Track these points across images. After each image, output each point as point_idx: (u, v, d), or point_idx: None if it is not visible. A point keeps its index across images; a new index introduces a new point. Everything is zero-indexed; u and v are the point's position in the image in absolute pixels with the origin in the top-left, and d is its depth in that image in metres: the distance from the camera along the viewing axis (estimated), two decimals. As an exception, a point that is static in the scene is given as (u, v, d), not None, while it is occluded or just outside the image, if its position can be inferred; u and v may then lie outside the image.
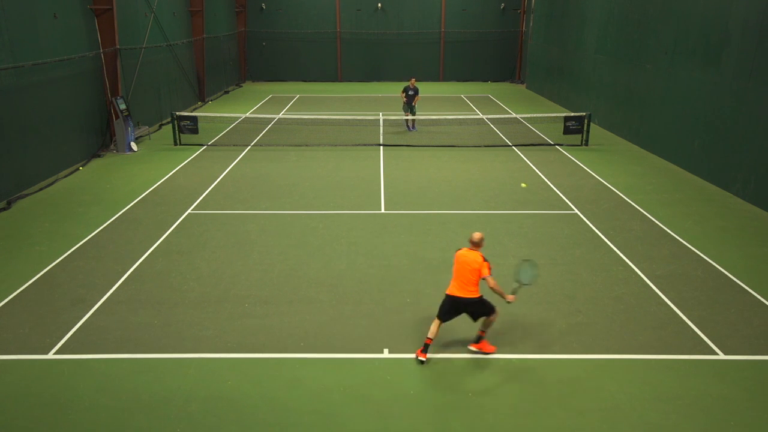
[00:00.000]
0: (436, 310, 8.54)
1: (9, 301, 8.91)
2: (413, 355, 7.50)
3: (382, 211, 12.96)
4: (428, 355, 7.46)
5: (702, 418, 6.36)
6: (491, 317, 7.37)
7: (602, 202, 13.50)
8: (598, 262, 10.24)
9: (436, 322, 7.39)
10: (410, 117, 21.14)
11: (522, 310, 8.62)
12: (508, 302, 7.27)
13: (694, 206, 13.20)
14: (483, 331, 7.50)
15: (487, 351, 7.53)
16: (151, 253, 10.65)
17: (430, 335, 7.36)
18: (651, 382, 6.98)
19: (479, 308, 7.28)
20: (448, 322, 7.50)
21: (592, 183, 15.02)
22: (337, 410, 6.53)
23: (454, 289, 7.26)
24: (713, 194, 14.08)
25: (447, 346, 7.72)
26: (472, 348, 7.56)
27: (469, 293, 7.17)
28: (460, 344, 7.76)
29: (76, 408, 6.54)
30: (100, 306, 8.74)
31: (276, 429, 6.24)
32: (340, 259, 10.41)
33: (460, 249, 7.42)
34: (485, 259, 7.16)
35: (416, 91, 20.81)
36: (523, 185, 8.06)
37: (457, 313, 7.38)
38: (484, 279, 7.10)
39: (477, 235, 7.29)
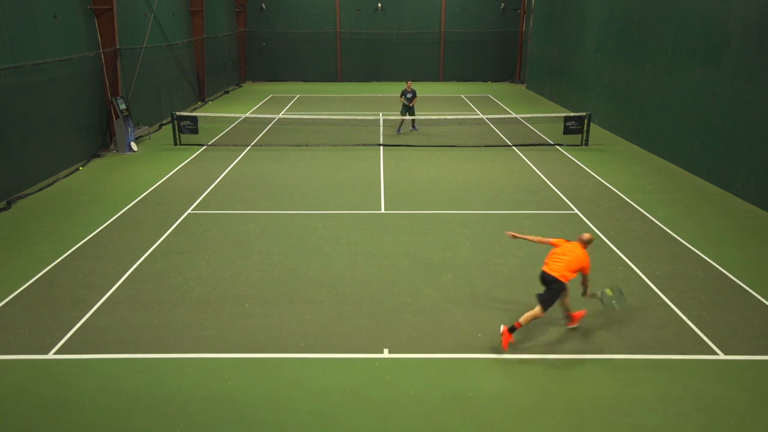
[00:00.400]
0: (436, 310, 8.60)
1: (9, 301, 8.91)
2: (413, 355, 7.51)
3: (382, 211, 12.96)
4: (433, 355, 7.47)
5: (702, 418, 6.36)
6: (536, 313, 7.54)
7: (602, 202, 13.50)
8: (598, 262, 10.23)
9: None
10: (407, 117, 21.03)
11: (522, 309, 8.61)
12: (586, 296, 7.98)
13: (694, 206, 13.20)
14: (520, 324, 7.57)
15: (504, 345, 7.55)
16: (151, 253, 10.65)
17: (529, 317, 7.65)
18: (651, 382, 6.98)
19: (553, 292, 7.52)
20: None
21: (592, 183, 15.02)
22: (337, 410, 6.53)
23: (547, 267, 7.63)
24: (713, 194, 14.08)
25: (448, 346, 7.72)
26: (502, 330, 7.63)
27: (557, 272, 7.48)
28: (460, 344, 7.76)
29: (76, 408, 6.54)
30: (100, 306, 8.74)
31: (276, 429, 6.24)
32: (340, 259, 10.41)
33: (561, 239, 8.07)
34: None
35: (414, 94, 20.76)
36: (608, 293, 8.21)
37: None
38: (585, 275, 7.74)
39: (588, 236, 7.84)
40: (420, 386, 6.92)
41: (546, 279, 7.60)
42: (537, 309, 7.54)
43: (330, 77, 38.03)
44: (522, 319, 7.54)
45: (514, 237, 8.39)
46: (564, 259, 7.60)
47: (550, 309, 7.63)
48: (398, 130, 21.14)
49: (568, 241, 7.97)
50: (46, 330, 8.09)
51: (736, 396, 6.73)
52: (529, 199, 13.68)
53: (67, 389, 6.86)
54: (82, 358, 7.47)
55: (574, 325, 8.11)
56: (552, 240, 8.08)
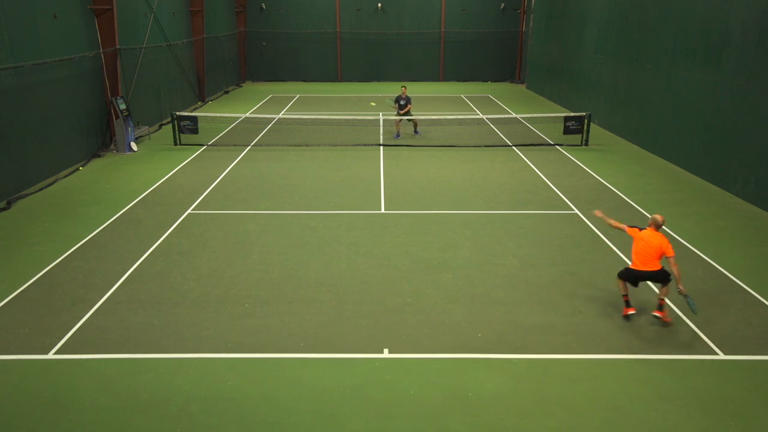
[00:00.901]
0: (436, 310, 8.63)
1: (9, 301, 8.91)
2: (413, 355, 7.51)
3: (382, 211, 12.96)
4: (433, 355, 7.49)
5: (702, 418, 6.36)
6: (666, 291, 8.16)
7: (602, 202, 13.50)
8: (598, 262, 10.24)
9: (620, 282, 8.41)
10: (405, 118, 20.11)
11: (522, 309, 8.63)
12: (681, 291, 7.92)
13: (694, 206, 13.20)
14: (663, 300, 8.18)
15: (666, 321, 8.24)
16: (151, 253, 10.65)
17: (623, 292, 8.41)
18: (651, 382, 6.98)
19: (663, 276, 8.12)
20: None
21: (592, 183, 15.02)
22: (337, 410, 6.53)
23: (642, 266, 8.12)
24: (713, 194, 14.08)
25: (448, 346, 7.72)
26: (656, 315, 8.20)
27: (653, 267, 8.06)
28: (460, 344, 7.76)
29: (76, 408, 6.54)
30: (100, 306, 8.74)
31: (276, 429, 6.24)
32: (340, 259, 10.41)
33: (637, 228, 8.36)
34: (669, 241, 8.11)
35: (408, 101, 19.79)
36: (372, 104, 8.16)
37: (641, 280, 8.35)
38: (670, 258, 7.96)
39: (659, 217, 8.22)
40: (420, 386, 6.92)
41: (645, 275, 8.15)
42: (665, 289, 8.15)
43: (330, 77, 38.03)
44: (662, 294, 8.16)
45: (600, 216, 8.87)
46: (648, 252, 8.05)
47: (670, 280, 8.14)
48: (397, 135, 20.14)
49: (640, 229, 8.33)
50: (46, 330, 8.09)
51: (736, 396, 6.73)
52: (529, 199, 13.68)
53: (67, 389, 6.86)
54: (82, 358, 7.47)
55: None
56: (626, 227, 8.46)
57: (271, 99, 30.21)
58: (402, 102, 19.89)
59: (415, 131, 20.78)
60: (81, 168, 16.44)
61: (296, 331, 8.06)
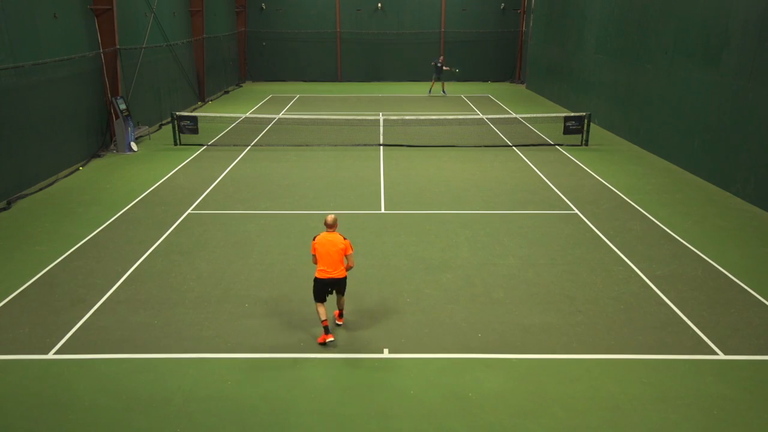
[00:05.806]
0: (436, 310, 8.60)
1: (9, 301, 8.91)
2: (413, 355, 7.51)
3: (382, 211, 12.96)
4: (433, 355, 7.48)
5: (702, 418, 6.36)
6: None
7: (602, 202, 13.50)
8: (598, 262, 10.24)
9: (319, 305, 7.84)
10: None
11: (522, 309, 8.63)
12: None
13: (694, 206, 13.20)
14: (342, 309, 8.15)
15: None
16: (151, 253, 10.65)
17: (323, 317, 7.77)
18: (651, 382, 6.98)
19: (345, 285, 7.94)
20: None
21: (592, 183, 15.02)
22: (337, 410, 6.53)
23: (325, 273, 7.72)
24: (713, 194, 14.08)
25: (448, 346, 7.72)
26: (339, 322, 8.20)
27: (340, 273, 7.75)
28: (460, 344, 7.76)
29: (76, 408, 6.54)
30: (100, 306, 8.74)
31: (276, 429, 6.24)
32: (340, 259, 10.40)
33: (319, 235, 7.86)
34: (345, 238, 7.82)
35: None
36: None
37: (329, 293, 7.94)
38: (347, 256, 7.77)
39: (329, 217, 7.83)
40: (420, 386, 6.92)
41: (333, 283, 7.81)
42: (343, 299, 8.11)
43: (330, 77, 38.01)
44: (341, 305, 8.13)
45: None
46: (332, 254, 7.73)
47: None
48: None
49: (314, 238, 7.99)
50: (46, 330, 8.09)
51: (736, 396, 6.73)
52: (529, 199, 13.68)
53: (67, 389, 6.86)
54: (82, 358, 7.47)
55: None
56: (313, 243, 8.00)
57: (271, 99, 30.20)
58: None
59: None
60: (81, 168, 16.43)
61: (296, 331, 8.06)
